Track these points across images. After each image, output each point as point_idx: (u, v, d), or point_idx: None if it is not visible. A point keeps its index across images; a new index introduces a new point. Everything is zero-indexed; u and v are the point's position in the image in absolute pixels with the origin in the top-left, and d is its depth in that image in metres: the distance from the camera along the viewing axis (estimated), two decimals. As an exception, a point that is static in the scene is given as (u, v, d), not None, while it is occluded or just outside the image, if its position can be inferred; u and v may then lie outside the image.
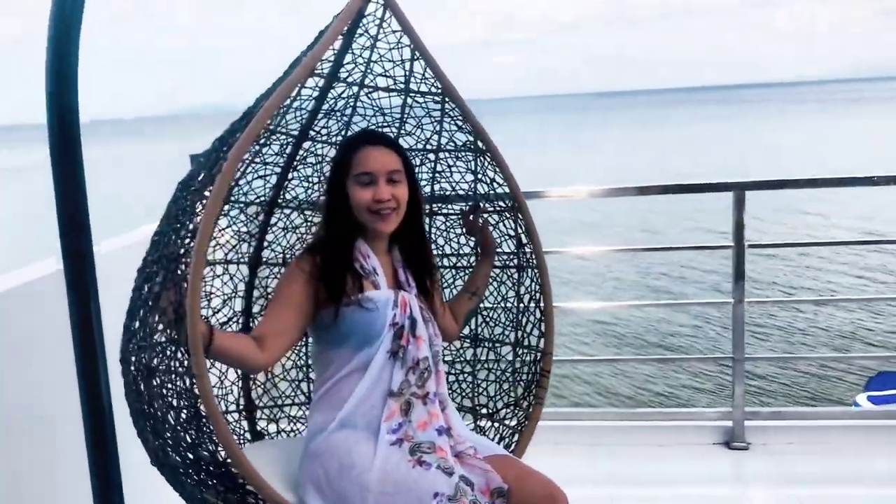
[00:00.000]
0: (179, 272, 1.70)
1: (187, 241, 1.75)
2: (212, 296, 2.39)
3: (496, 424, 2.47)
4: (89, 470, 1.87)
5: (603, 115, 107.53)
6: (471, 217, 2.40)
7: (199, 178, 1.90)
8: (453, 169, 2.54)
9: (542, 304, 2.39)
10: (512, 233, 2.46)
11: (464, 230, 2.51)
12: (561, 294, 13.79)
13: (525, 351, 2.45)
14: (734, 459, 3.52)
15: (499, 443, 2.38)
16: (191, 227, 1.75)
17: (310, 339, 2.36)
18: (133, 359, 1.82)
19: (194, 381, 1.64)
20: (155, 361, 1.78)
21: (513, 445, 2.35)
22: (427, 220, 2.59)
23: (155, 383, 1.78)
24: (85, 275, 1.78)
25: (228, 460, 1.70)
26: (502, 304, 2.53)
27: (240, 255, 2.51)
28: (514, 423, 2.41)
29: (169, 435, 1.81)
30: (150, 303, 1.76)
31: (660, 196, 4.01)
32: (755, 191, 3.60)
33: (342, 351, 1.97)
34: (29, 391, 2.33)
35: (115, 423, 1.89)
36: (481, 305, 2.53)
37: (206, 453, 1.78)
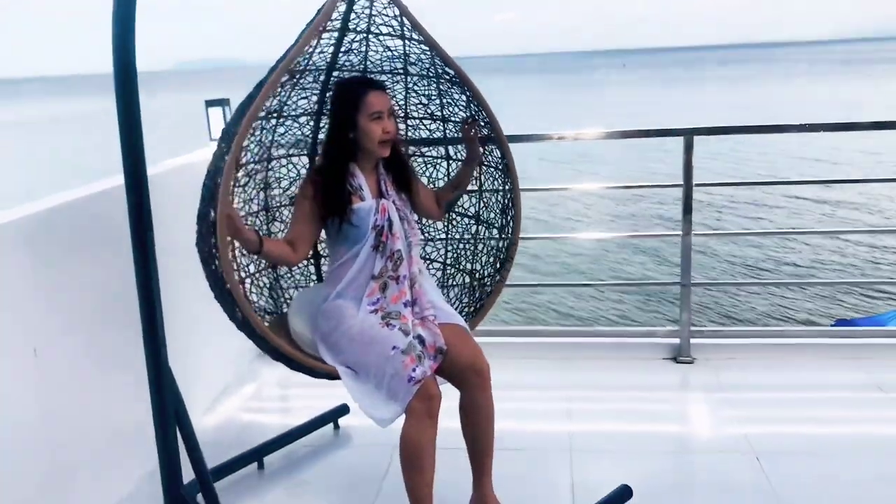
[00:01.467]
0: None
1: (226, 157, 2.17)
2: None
3: (478, 286, 2.87)
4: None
5: (601, 73, 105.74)
6: (467, 126, 2.66)
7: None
8: (445, 99, 2.88)
9: (514, 206, 2.77)
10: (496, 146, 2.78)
11: (462, 136, 2.78)
12: (535, 227, 13.98)
13: (504, 237, 2.81)
14: (680, 372, 3.64)
15: (473, 307, 2.80)
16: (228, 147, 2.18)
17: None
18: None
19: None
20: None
21: (473, 315, 2.74)
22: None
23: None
24: (141, 190, 2.01)
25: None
26: (494, 197, 2.86)
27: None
28: (489, 288, 2.79)
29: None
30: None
31: (623, 140, 4.09)
32: (703, 136, 3.65)
33: (341, 246, 2.45)
34: (87, 292, 2.49)
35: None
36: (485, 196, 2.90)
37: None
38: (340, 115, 2.42)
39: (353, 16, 2.58)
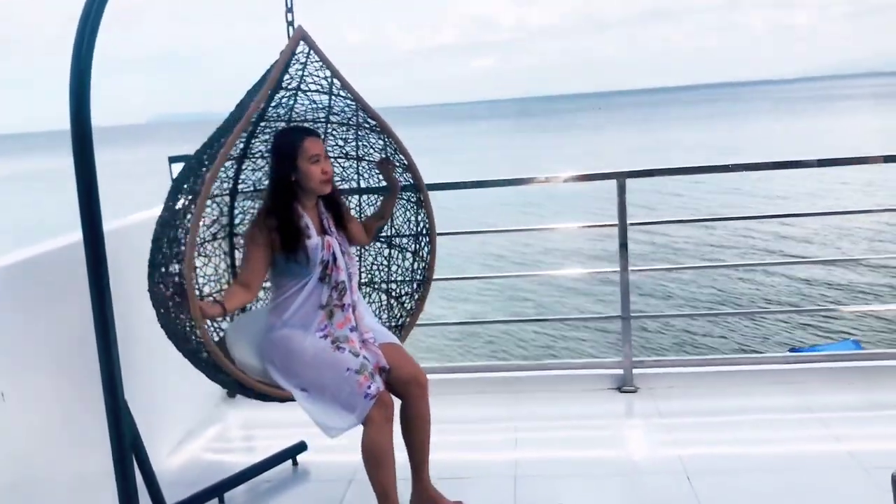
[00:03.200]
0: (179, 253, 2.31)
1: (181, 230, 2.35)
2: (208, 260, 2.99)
3: (396, 304, 3.14)
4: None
5: (571, 116, 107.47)
6: (383, 163, 2.93)
7: (189, 180, 2.48)
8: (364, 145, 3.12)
9: (430, 234, 3.05)
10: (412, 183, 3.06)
11: (379, 174, 3.02)
12: (483, 267, 14.05)
13: (419, 260, 3.10)
14: (624, 401, 3.71)
15: (394, 322, 3.09)
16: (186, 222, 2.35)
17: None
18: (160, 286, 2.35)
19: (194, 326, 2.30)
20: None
21: (399, 330, 3.02)
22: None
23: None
24: (99, 244, 2.10)
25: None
26: (407, 225, 3.14)
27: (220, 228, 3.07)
28: (408, 306, 3.08)
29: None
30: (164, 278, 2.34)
31: (563, 184, 4.20)
32: (635, 178, 3.78)
33: (286, 280, 2.58)
34: (49, 338, 2.51)
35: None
36: (397, 224, 3.17)
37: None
38: (282, 161, 2.56)
39: (286, 77, 2.74)
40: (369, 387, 2.41)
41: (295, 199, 2.59)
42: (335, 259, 2.60)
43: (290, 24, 2.64)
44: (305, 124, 2.99)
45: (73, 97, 1.98)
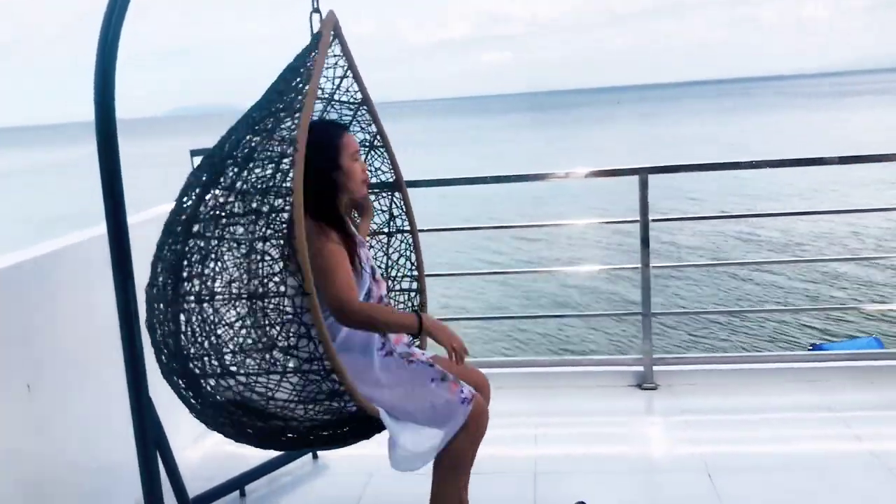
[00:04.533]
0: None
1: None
2: None
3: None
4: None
5: (579, 110, 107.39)
6: None
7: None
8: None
9: (413, 260, 2.76)
10: (386, 208, 2.78)
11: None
12: (505, 261, 14.03)
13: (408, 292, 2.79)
14: (644, 398, 3.66)
15: None
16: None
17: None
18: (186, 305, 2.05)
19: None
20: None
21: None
22: None
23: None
24: (123, 237, 2.05)
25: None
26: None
27: None
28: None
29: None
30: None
31: (584, 180, 4.17)
32: (657, 174, 3.73)
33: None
34: (74, 331, 2.50)
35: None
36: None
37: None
38: (324, 158, 2.17)
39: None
40: (461, 391, 2.17)
41: (337, 202, 2.25)
42: (373, 272, 2.30)
43: (317, 9, 2.31)
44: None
45: (97, 93, 1.95)
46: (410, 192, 2.79)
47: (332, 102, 2.62)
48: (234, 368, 2.03)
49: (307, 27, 2.33)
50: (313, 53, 2.20)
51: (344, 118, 2.63)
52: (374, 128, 2.67)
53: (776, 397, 3.56)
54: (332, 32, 2.28)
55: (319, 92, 2.43)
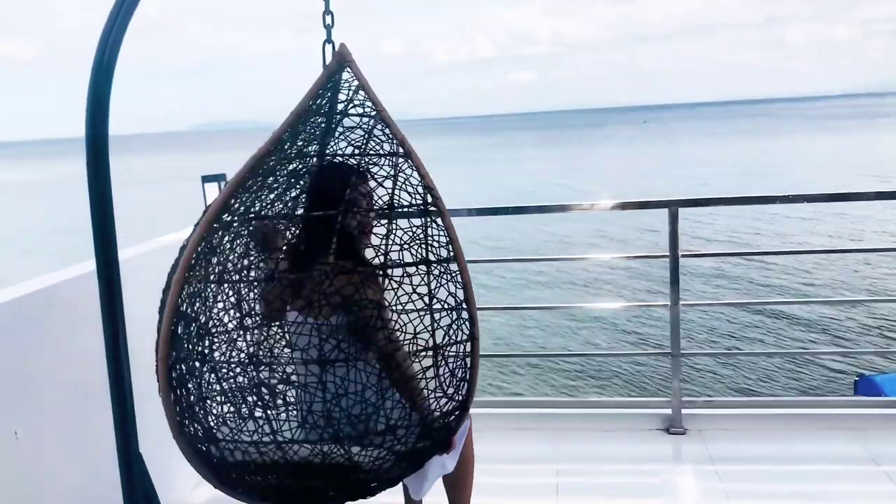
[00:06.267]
0: None
1: None
2: None
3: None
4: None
5: (613, 129, 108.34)
6: None
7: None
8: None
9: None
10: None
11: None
12: (525, 296, 14.00)
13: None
14: (672, 443, 3.61)
15: None
16: None
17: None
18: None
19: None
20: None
21: None
22: None
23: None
24: (113, 277, 1.99)
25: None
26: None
27: None
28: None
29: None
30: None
31: (611, 212, 4.18)
32: (688, 207, 3.73)
33: None
34: (61, 375, 2.47)
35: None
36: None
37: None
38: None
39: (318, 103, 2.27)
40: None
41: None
42: None
43: (329, 40, 2.19)
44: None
45: (90, 114, 1.89)
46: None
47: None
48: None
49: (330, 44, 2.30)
50: (320, 101, 2.19)
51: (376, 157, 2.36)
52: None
53: (815, 445, 3.50)
54: (344, 67, 2.19)
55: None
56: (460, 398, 2.11)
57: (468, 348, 2.09)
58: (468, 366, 2.10)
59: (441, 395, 2.09)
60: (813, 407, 3.83)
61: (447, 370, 2.09)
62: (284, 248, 2.13)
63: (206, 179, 3.23)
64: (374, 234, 2.18)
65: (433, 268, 2.07)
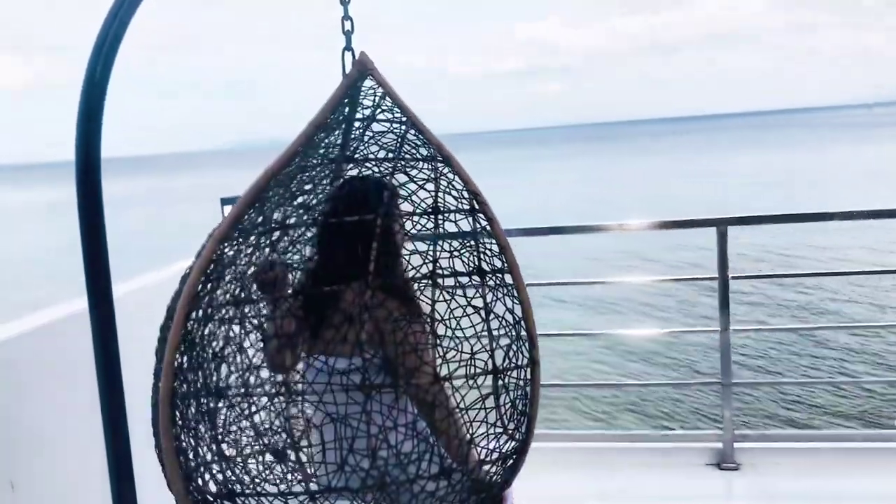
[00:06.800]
0: None
1: None
2: None
3: None
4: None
5: (648, 141, 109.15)
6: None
7: None
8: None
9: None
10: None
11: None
12: (557, 321, 13.95)
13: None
14: (724, 480, 3.58)
15: None
16: None
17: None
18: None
19: None
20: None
21: None
22: None
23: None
24: (108, 314, 1.90)
25: None
26: None
27: None
28: None
29: None
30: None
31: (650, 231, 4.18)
32: (737, 226, 3.72)
33: None
34: (55, 420, 2.44)
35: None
36: None
37: None
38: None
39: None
40: None
41: None
42: None
43: (348, 48, 2.09)
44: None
45: (81, 133, 1.81)
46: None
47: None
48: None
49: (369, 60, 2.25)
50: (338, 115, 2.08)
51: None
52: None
53: (880, 481, 3.44)
54: (367, 75, 2.09)
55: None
56: (520, 437, 1.91)
57: (528, 374, 1.90)
58: (528, 396, 1.90)
59: (501, 430, 1.88)
60: (877, 441, 3.78)
61: (508, 400, 1.88)
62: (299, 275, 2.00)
63: (225, 202, 3.16)
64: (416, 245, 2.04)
65: (487, 279, 1.89)
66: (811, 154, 59.56)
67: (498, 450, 1.87)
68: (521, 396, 1.90)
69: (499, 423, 1.86)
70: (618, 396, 10.87)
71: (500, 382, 1.85)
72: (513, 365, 1.88)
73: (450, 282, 1.87)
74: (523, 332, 1.90)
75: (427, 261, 1.91)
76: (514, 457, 1.90)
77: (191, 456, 1.72)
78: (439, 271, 1.84)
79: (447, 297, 1.85)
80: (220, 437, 1.74)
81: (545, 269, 20.12)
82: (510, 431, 1.89)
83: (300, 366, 1.96)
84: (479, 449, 1.88)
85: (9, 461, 2.23)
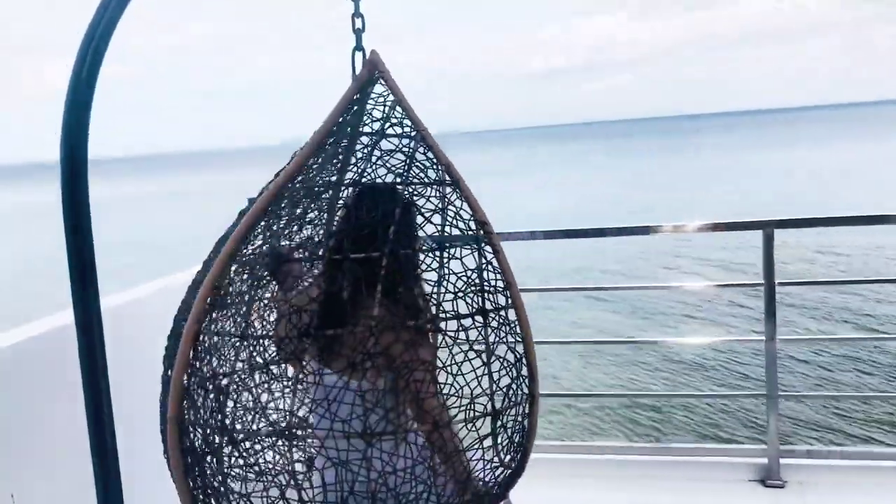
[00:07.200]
0: None
1: None
2: None
3: None
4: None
5: (702, 137, 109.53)
6: None
7: None
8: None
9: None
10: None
11: None
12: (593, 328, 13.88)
13: None
14: (769, 498, 3.54)
15: None
16: None
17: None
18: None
19: None
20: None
21: None
22: None
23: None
24: (92, 324, 1.86)
25: None
26: None
27: None
28: None
29: None
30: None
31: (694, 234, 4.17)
32: (785, 229, 3.67)
33: None
34: (43, 436, 2.48)
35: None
36: None
37: None
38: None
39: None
40: None
41: None
42: None
43: (359, 47, 2.07)
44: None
45: (66, 132, 1.76)
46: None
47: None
48: None
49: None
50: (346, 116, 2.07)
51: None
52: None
53: None
54: (377, 78, 2.09)
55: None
56: (515, 466, 2.01)
57: (527, 409, 1.99)
58: (525, 429, 1.99)
59: (498, 464, 1.99)
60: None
61: (506, 437, 1.98)
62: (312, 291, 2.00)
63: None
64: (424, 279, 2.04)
65: (490, 319, 1.95)
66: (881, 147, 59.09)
67: (494, 480, 1.96)
68: (518, 430, 1.98)
69: (496, 460, 1.96)
70: (656, 407, 10.80)
71: (500, 423, 1.93)
72: (512, 403, 1.96)
73: (452, 323, 1.89)
74: (524, 370, 1.97)
75: (431, 303, 1.94)
76: (508, 480, 1.99)
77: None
78: (442, 315, 1.88)
79: (449, 342, 1.89)
80: (226, 469, 1.80)
81: (585, 272, 20.12)
82: (506, 464, 1.97)
83: (310, 378, 1.97)
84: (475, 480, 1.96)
85: (12, 475, 2.27)
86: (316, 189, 2.04)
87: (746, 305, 15.05)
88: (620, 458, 3.91)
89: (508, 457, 1.99)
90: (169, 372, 1.86)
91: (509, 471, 1.99)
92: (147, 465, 2.12)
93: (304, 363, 1.90)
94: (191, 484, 1.76)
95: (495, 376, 1.93)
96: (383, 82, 2.06)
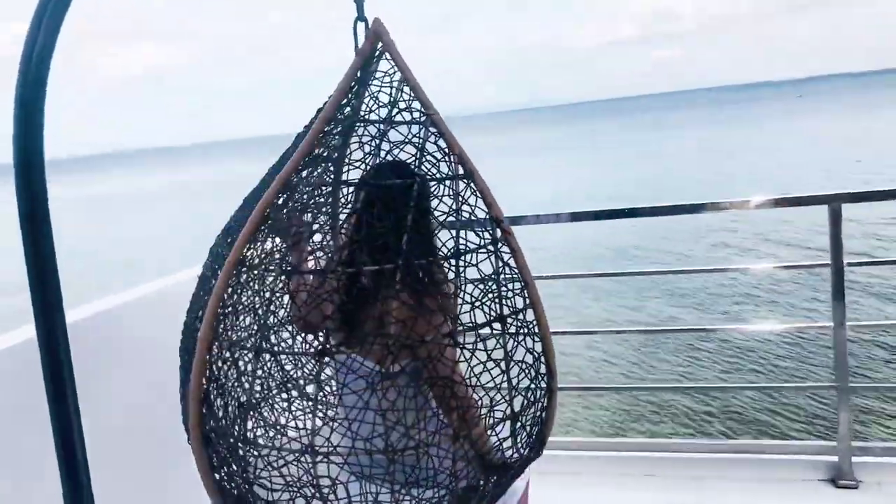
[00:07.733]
0: None
1: None
2: None
3: None
4: None
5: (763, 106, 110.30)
6: None
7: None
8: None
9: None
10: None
11: None
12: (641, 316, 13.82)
13: None
14: (841, 499, 3.49)
15: None
16: None
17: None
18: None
19: None
20: None
21: None
22: None
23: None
24: (57, 345, 1.75)
25: None
26: None
27: None
28: None
29: None
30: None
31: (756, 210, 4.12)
32: (854, 203, 3.60)
33: None
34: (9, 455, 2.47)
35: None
36: None
37: None
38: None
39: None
40: None
41: None
42: None
43: (362, 17, 2.02)
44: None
45: (19, 132, 1.64)
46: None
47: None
48: None
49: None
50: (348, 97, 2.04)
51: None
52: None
53: None
54: (380, 52, 2.05)
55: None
56: (533, 455, 2.10)
57: (545, 404, 2.06)
58: (543, 421, 2.07)
59: (517, 458, 2.07)
60: None
61: (524, 434, 2.04)
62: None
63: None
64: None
65: (508, 325, 1.97)
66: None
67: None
68: (537, 423, 2.06)
69: (514, 455, 2.04)
70: (717, 399, 10.71)
71: (519, 424, 2.00)
72: (531, 402, 2.02)
73: (470, 334, 1.92)
74: (543, 368, 2.03)
75: (448, 317, 1.92)
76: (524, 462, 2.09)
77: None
78: (459, 327, 1.89)
79: (467, 355, 1.90)
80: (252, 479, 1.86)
81: (632, 255, 20.05)
82: (524, 455, 2.06)
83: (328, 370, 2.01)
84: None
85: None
86: (317, 195, 2.03)
87: (813, 287, 14.90)
88: (676, 456, 3.89)
89: (527, 449, 2.06)
90: (186, 386, 1.91)
91: (526, 451, 2.07)
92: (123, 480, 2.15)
93: (329, 346, 1.87)
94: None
95: (514, 381, 1.96)
96: (388, 56, 1.99)
